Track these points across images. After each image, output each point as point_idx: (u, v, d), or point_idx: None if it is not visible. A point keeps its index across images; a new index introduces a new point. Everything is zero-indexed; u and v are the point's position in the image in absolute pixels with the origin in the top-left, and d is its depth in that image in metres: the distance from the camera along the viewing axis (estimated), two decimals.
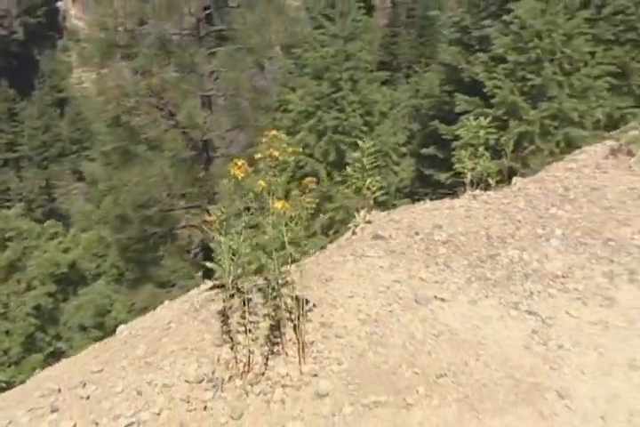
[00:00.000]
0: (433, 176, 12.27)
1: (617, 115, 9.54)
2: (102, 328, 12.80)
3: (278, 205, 2.71)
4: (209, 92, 10.69)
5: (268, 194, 2.88)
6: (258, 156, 2.95)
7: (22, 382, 3.26)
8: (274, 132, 3.03)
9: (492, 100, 9.77)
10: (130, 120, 10.54)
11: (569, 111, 9.15)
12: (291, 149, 3.00)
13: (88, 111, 39.87)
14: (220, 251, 2.95)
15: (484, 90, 10.03)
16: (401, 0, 68.60)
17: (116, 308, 12.95)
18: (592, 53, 9.77)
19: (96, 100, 14.32)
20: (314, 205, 2.82)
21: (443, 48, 12.96)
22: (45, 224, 17.28)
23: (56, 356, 10.05)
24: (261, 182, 2.86)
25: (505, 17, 10.26)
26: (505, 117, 9.47)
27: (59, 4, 75.11)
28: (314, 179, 2.93)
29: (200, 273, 11.87)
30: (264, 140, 3.00)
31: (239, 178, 2.87)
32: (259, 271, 3.01)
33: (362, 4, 12.79)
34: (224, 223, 2.96)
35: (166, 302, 3.55)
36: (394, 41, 56.37)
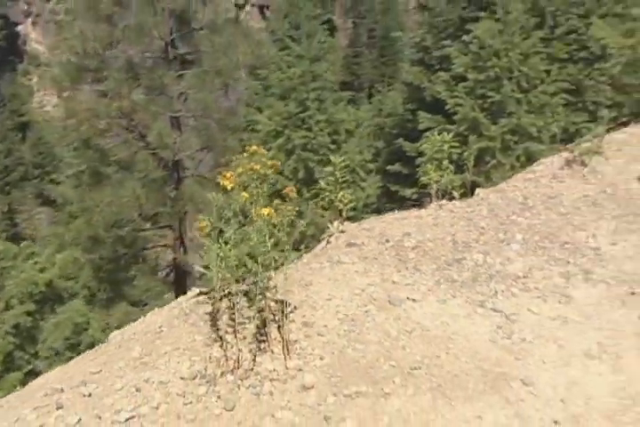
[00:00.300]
0: (399, 192, 12.57)
1: (572, 129, 9.92)
2: (78, 347, 12.82)
3: (265, 211, 2.96)
4: (178, 113, 10.92)
5: (251, 204, 3.13)
6: (239, 170, 3.20)
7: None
8: (254, 147, 3.29)
9: (454, 117, 10.11)
10: (100, 142, 10.72)
11: (527, 126, 9.52)
12: (270, 163, 3.26)
13: (50, 135, 39.71)
14: (209, 257, 3.19)
15: (446, 107, 10.37)
16: (361, 21, 69.55)
17: (92, 326, 13.03)
18: (547, 71, 10.18)
19: (59, 125, 14.47)
20: (294, 213, 3.07)
21: (405, 68, 13.32)
22: (22, 245, 17.37)
23: (35, 374, 10.08)
24: (244, 194, 3.10)
25: (464, 37, 10.65)
26: (466, 133, 9.82)
27: (19, 28, 74.86)
28: (293, 188, 3.19)
29: (172, 292, 12.05)
30: (245, 154, 3.25)
31: (228, 188, 3.10)
32: (245, 276, 3.23)
33: (325, 26, 13.16)
34: (212, 232, 3.21)
35: (155, 309, 3.76)
36: (356, 61, 57.19)
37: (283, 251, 3.06)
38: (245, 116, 11.69)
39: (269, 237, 3.00)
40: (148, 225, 11.59)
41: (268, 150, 10.28)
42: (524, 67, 9.68)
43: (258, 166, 3.18)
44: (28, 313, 13.82)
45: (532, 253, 4.01)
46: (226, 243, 3.11)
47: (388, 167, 13.28)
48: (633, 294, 3.74)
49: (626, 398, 3.09)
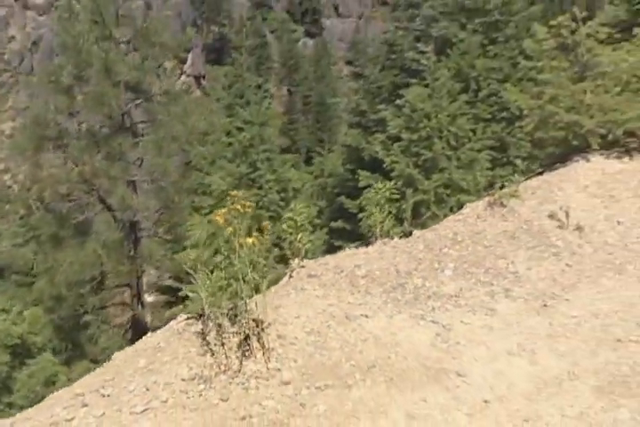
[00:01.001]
0: (342, 246, 13.39)
1: (499, 182, 10.87)
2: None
3: (249, 240, 3.70)
4: (135, 177, 11.63)
5: (234, 236, 3.86)
6: (224, 210, 3.94)
7: None
8: (235, 192, 4.04)
9: (391, 174, 11.03)
10: (59, 206, 11.34)
11: (458, 180, 10.47)
12: (247, 204, 4.00)
13: None
14: (198, 283, 3.90)
15: (384, 165, 11.31)
16: (296, 88, 71.55)
17: (60, 379, 13.28)
18: (473, 130, 11.21)
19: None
20: (269, 242, 3.81)
21: (344, 131, 14.34)
22: None
23: None
24: (229, 228, 3.83)
25: (397, 102, 11.68)
26: (403, 189, 10.71)
27: None
28: (269, 223, 3.95)
29: None
30: (229, 198, 4.00)
31: (220, 223, 3.83)
32: (231, 297, 3.94)
33: (265, 94, 14.16)
34: (198, 263, 3.93)
35: (149, 333, 4.42)
36: (292, 127, 58.74)
37: (261, 272, 3.79)
38: (195, 180, 12.45)
39: (250, 264, 3.73)
40: (106, 284, 12.14)
41: (220, 208, 11.07)
42: (453, 127, 10.70)
43: (239, 207, 3.93)
44: (4, 363, 14.03)
45: (461, 278, 4.80)
46: (212, 270, 3.83)
47: (332, 224, 14.14)
48: (545, 306, 4.55)
49: (540, 383, 3.85)
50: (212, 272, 3.83)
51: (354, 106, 13.62)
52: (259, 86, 13.50)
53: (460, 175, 10.49)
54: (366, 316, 4.30)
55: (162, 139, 11.44)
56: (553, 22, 7.68)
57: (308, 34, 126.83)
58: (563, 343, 4.21)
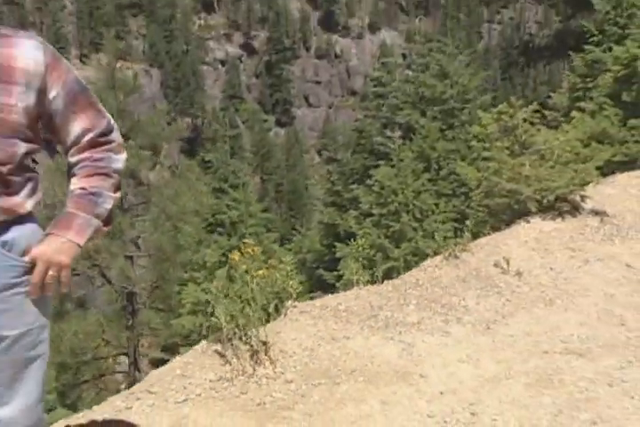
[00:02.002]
0: None
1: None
2: None
3: (260, 272, 4.92)
4: (132, 252, 12.83)
5: (247, 272, 5.07)
6: (237, 254, 5.16)
7: None
8: (246, 240, 5.27)
9: (365, 245, 12.32)
10: None
11: (424, 248, 11.76)
12: (256, 249, 5.22)
13: None
14: (218, 311, 5.08)
15: (358, 237, 12.61)
16: (269, 177, 73.65)
17: None
18: (436, 204, 12.60)
19: None
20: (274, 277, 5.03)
21: (320, 209, 15.73)
22: None
23: None
24: (244, 266, 5.05)
25: (368, 181, 13.12)
26: (374, 257, 11.99)
27: None
28: (275, 260, 5.18)
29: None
30: (242, 246, 5.22)
31: (238, 260, 5.05)
32: (245, 324, 5.12)
33: (246, 178, 15.62)
34: (220, 293, 5.12)
35: (177, 357, 5.55)
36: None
37: (272, 300, 5.00)
38: (187, 255, 13.67)
39: (260, 291, 4.94)
40: (106, 351, 13.14)
41: (213, 280, 12.22)
42: (417, 201, 12.08)
43: (250, 250, 5.16)
44: None
45: (422, 310, 6.02)
46: (231, 298, 5.03)
47: (311, 295, 15.31)
48: (488, 328, 5.76)
49: (482, 381, 5.01)
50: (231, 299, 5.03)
51: (329, 186, 15.07)
52: (240, 171, 14.90)
53: (426, 244, 11.79)
54: (347, 337, 5.47)
55: (156, 218, 12.71)
56: (495, 110, 9.18)
57: (280, 123, 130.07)
58: (501, 354, 5.40)
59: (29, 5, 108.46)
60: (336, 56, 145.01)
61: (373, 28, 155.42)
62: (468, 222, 7.25)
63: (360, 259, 7.07)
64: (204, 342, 5.45)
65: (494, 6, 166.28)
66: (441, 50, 14.01)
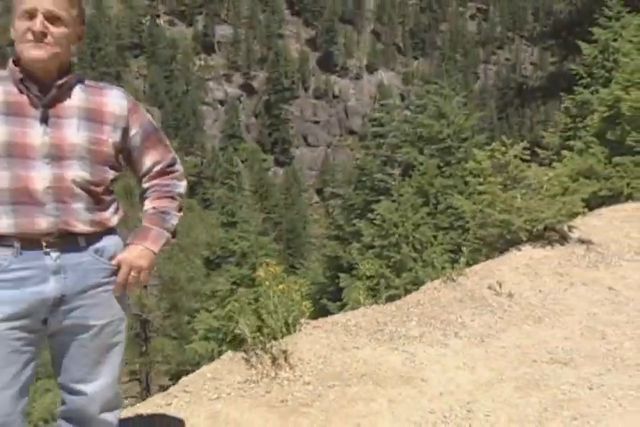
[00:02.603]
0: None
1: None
2: None
3: (280, 287, 5.62)
4: (148, 284, 13.49)
5: (269, 287, 5.77)
6: (262, 271, 5.87)
7: None
8: (268, 261, 5.97)
9: (367, 275, 13.04)
10: None
11: (424, 278, 12.44)
12: (276, 268, 5.93)
13: None
14: (243, 322, 5.77)
15: (360, 268, 13.32)
16: (268, 215, 74.29)
17: None
18: (435, 237, 13.32)
19: None
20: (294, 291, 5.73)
21: (323, 243, 16.44)
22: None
23: None
24: (266, 282, 5.75)
25: (369, 215, 13.87)
26: (377, 286, 12.67)
27: None
28: (293, 282, 5.88)
29: None
30: (265, 265, 5.93)
31: (263, 277, 5.76)
32: (269, 334, 5.80)
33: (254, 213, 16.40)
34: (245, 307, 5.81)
35: (204, 366, 6.21)
36: None
37: (291, 312, 5.69)
38: (199, 285, 14.34)
39: (281, 303, 5.63)
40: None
41: (225, 306, 12.90)
42: (417, 234, 12.81)
43: (272, 269, 5.86)
44: None
45: (423, 326, 6.69)
46: (255, 310, 5.71)
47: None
48: (483, 341, 6.43)
49: (477, 385, 5.66)
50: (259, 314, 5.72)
51: (331, 220, 15.83)
52: (249, 206, 15.63)
53: (425, 273, 12.48)
54: (357, 348, 6.14)
55: (170, 250, 13.39)
56: (488, 148, 9.95)
57: (278, 162, 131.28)
58: (494, 363, 6.06)
59: None
60: (334, 96, 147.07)
61: (371, 69, 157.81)
62: (464, 249, 7.92)
63: (364, 283, 7.75)
64: (229, 352, 6.12)
65: (490, 47, 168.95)
66: (438, 91, 14.86)
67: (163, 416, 4.92)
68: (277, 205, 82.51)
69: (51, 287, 3.19)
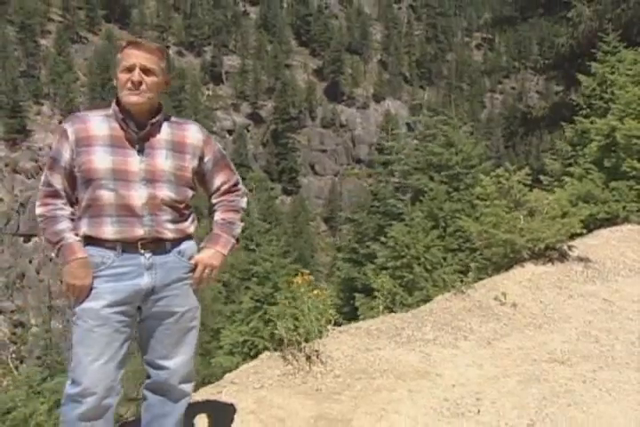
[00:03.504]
0: None
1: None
2: None
3: (315, 292, 6.49)
4: None
5: (304, 293, 6.64)
6: (299, 278, 6.74)
7: None
8: (302, 270, 6.85)
9: (379, 294, 13.82)
10: None
11: (434, 296, 13.23)
12: (309, 278, 6.80)
13: None
14: (282, 325, 6.63)
15: (374, 287, 14.10)
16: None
17: None
18: (444, 258, 14.14)
19: None
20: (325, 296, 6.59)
21: (339, 265, 17.26)
22: None
23: None
24: (300, 289, 6.62)
25: (382, 238, 14.71)
26: (391, 305, 13.46)
27: None
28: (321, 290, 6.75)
29: None
30: (301, 274, 6.80)
31: (302, 281, 6.63)
32: (303, 334, 6.65)
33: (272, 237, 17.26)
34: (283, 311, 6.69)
35: (244, 365, 7.05)
36: None
37: (322, 315, 6.54)
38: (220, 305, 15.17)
39: (314, 306, 6.49)
40: None
41: (249, 322, 13.73)
42: (427, 255, 13.63)
43: (306, 278, 6.74)
44: None
45: (436, 331, 7.54)
46: (296, 317, 6.59)
47: None
48: (489, 343, 7.28)
49: (485, 379, 6.48)
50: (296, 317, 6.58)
51: (345, 244, 16.69)
52: (267, 231, 16.49)
53: (436, 292, 13.26)
54: (379, 349, 6.98)
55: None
56: (493, 174, 10.84)
57: (286, 191, 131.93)
58: (499, 361, 6.90)
59: (44, 78, 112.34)
60: (341, 125, 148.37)
61: (378, 98, 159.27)
62: (472, 265, 8.76)
63: (381, 300, 8.61)
64: (267, 352, 6.98)
65: (496, 76, 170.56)
66: (446, 121, 15.79)
67: (215, 402, 5.76)
68: (285, 234, 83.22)
69: (145, 281, 4.08)
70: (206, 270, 4.21)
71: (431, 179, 15.00)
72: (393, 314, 8.11)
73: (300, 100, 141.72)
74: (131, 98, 4.08)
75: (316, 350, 6.57)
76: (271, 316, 6.70)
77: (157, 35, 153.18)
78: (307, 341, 6.65)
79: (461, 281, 8.94)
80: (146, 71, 4.07)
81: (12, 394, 12.60)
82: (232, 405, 5.66)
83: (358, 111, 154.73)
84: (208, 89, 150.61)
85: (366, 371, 6.45)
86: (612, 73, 15.59)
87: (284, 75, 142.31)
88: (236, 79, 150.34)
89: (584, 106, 16.46)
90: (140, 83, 4.06)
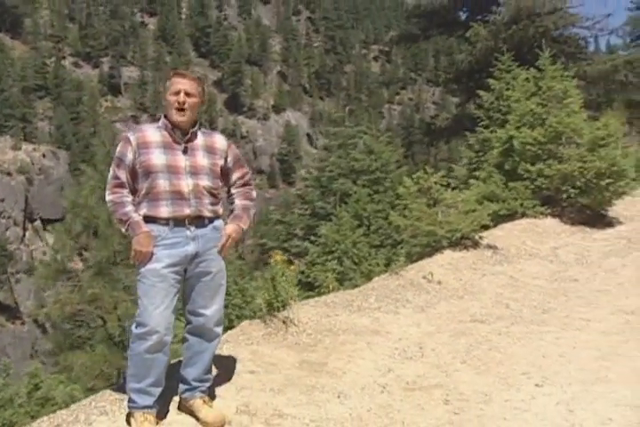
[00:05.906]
0: None
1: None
2: None
3: (292, 267, 8.09)
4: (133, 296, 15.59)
5: (281, 268, 8.21)
6: (278, 256, 8.32)
7: None
8: (278, 252, 8.41)
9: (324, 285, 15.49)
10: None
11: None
12: (284, 257, 8.38)
13: None
14: (259, 299, 8.20)
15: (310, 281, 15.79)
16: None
17: None
18: (370, 253, 15.92)
19: None
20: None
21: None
22: None
23: None
24: (279, 265, 8.20)
25: (312, 237, 16.42)
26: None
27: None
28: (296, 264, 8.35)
29: None
30: (276, 253, 8.38)
31: (279, 261, 8.22)
32: (279, 303, 8.21)
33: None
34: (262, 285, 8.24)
35: (230, 330, 8.56)
36: None
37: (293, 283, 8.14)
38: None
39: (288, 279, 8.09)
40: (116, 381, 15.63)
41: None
42: (355, 250, 15.40)
43: (279, 258, 8.32)
44: None
45: (380, 302, 9.22)
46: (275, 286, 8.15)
47: None
48: (423, 310, 9.05)
49: (424, 334, 8.20)
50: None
51: (278, 243, 18.35)
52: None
53: (363, 283, 15.00)
54: (337, 315, 8.58)
55: None
56: (414, 175, 12.69)
57: None
58: (433, 322, 8.66)
59: None
60: (242, 137, 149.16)
61: (278, 109, 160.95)
62: (402, 250, 10.51)
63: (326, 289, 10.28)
64: (247, 320, 8.54)
65: (394, 88, 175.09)
66: (364, 131, 17.65)
67: (219, 354, 7.27)
68: None
69: (191, 248, 5.58)
70: (230, 241, 5.67)
71: (354, 183, 16.75)
72: (343, 290, 9.77)
73: (201, 111, 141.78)
74: (178, 118, 5.50)
75: (287, 317, 8.16)
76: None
77: (52, 45, 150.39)
78: (278, 310, 8.22)
79: (395, 264, 10.66)
80: (188, 94, 5.60)
81: None
82: (233, 356, 7.17)
83: (259, 122, 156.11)
84: (106, 100, 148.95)
85: (331, 330, 8.06)
86: (507, 89, 17.78)
87: None
88: (134, 91, 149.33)
89: (484, 117, 18.59)
90: (184, 103, 5.58)
